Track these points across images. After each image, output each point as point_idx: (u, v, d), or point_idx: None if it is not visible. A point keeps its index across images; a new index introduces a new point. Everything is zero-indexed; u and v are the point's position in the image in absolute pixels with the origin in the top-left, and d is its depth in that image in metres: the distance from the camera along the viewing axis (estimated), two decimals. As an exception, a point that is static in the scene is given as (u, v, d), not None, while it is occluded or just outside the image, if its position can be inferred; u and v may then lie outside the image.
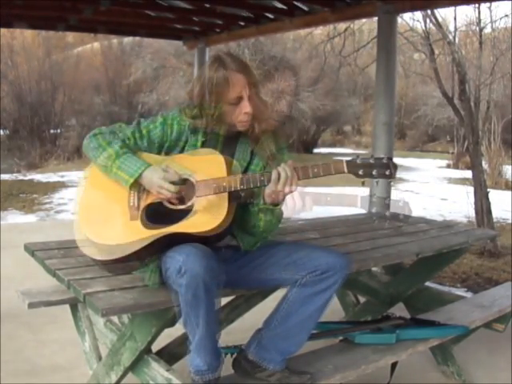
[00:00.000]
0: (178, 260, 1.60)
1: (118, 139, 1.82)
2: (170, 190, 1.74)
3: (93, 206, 1.85)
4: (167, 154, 1.88)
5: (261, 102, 1.88)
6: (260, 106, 1.88)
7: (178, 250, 1.65)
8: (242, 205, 1.87)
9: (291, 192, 1.72)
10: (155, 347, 2.01)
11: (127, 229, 1.76)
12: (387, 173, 1.72)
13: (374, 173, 1.72)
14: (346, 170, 1.74)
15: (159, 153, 1.88)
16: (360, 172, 1.73)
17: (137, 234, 1.73)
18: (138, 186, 1.79)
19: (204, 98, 1.82)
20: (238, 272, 1.86)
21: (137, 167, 1.76)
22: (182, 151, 1.88)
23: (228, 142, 1.90)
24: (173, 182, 1.75)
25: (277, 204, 1.78)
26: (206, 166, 1.80)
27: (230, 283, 1.78)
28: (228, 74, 1.79)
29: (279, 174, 1.70)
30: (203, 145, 1.87)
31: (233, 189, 1.75)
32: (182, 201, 1.78)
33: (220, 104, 1.80)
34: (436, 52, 6.24)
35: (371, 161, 1.73)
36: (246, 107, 1.83)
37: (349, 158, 1.76)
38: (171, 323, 1.92)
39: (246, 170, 1.89)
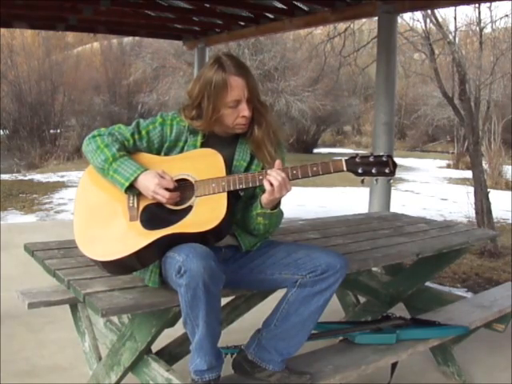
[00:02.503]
0: (177, 260, 1.61)
1: (116, 141, 1.82)
2: (165, 197, 1.73)
3: (92, 206, 1.84)
4: (167, 154, 1.88)
5: (260, 105, 1.88)
6: (259, 109, 1.87)
7: (178, 250, 1.65)
8: (243, 207, 1.87)
9: (287, 193, 1.73)
10: (155, 347, 2.01)
11: (127, 229, 1.76)
12: (387, 170, 1.71)
13: (374, 171, 1.71)
14: (345, 168, 1.74)
15: (159, 153, 1.88)
16: (359, 170, 1.72)
17: (136, 235, 1.73)
18: (136, 189, 1.79)
19: (203, 100, 1.81)
20: (238, 272, 1.87)
21: (132, 171, 1.76)
22: (181, 151, 1.87)
23: (227, 142, 1.90)
24: (168, 189, 1.75)
25: (275, 207, 1.79)
26: (205, 165, 1.80)
27: (230, 283, 1.78)
28: (227, 77, 1.78)
29: (271, 184, 1.71)
30: (202, 145, 1.87)
31: (232, 188, 1.75)
32: (181, 200, 1.78)
33: (218, 106, 1.80)
34: (436, 52, 6.23)
35: (370, 159, 1.72)
36: (244, 110, 1.82)
37: (348, 157, 1.75)
38: (171, 323, 1.92)
39: (246, 170, 1.89)
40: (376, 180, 1.82)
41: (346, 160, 1.74)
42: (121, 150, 1.80)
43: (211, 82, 1.78)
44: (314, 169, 1.75)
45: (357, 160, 1.73)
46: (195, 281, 1.56)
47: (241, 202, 1.88)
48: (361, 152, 1.84)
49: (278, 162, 1.76)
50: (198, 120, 1.85)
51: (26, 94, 15.01)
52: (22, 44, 15.88)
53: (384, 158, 1.72)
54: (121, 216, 1.78)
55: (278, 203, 1.81)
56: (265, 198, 1.76)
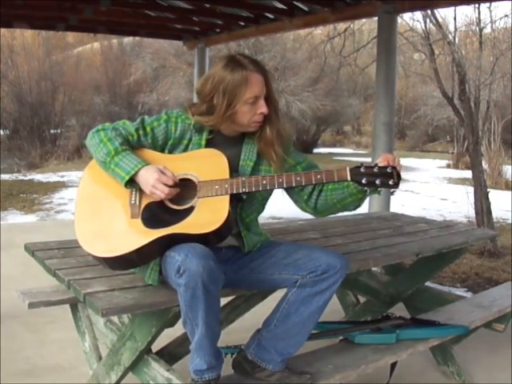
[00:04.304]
0: (176, 260, 1.61)
1: (119, 136, 1.81)
2: (164, 192, 1.73)
3: (94, 202, 1.84)
4: (170, 151, 1.87)
5: (275, 103, 1.88)
6: (274, 107, 1.87)
7: (177, 249, 1.65)
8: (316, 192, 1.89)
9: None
10: (155, 347, 2.01)
11: (128, 226, 1.76)
12: (391, 182, 1.71)
13: (378, 182, 1.71)
14: (349, 177, 1.74)
15: (163, 150, 1.87)
16: (363, 180, 1.72)
17: (137, 233, 1.73)
18: (137, 184, 1.79)
19: (216, 95, 1.79)
20: (238, 272, 1.87)
21: (133, 165, 1.75)
22: (185, 149, 1.87)
23: (233, 142, 1.90)
24: (167, 185, 1.74)
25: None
26: (209, 166, 1.79)
27: (230, 283, 1.79)
28: (247, 74, 1.77)
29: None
30: (207, 144, 1.86)
31: (234, 191, 1.75)
32: (183, 200, 1.78)
33: (234, 103, 1.78)
34: (436, 52, 6.23)
35: (375, 170, 1.72)
36: (262, 107, 1.82)
37: (352, 166, 1.75)
38: (171, 323, 1.93)
39: (253, 170, 1.88)
40: (379, 192, 1.81)
41: (350, 169, 1.74)
42: (123, 144, 1.80)
43: (228, 80, 1.77)
44: (318, 177, 1.75)
45: (361, 170, 1.73)
46: (194, 280, 1.56)
47: (256, 201, 1.90)
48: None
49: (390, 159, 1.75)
50: (208, 116, 1.83)
51: (26, 93, 15.01)
52: (23, 44, 15.88)
53: (388, 170, 1.71)
54: (122, 213, 1.78)
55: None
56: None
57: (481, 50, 6.15)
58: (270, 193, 1.94)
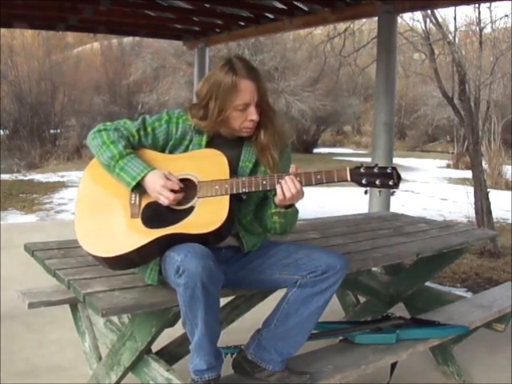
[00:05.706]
0: (176, 260, 1.61)
1: (122, 137, 1.81)
2: (169, 198, 1.73)
3: (93, 202, 1.84)
4: (171, 152, 1.87)
5: (269, 109, 1.87)
6: (267, 113, 1.87)
7: (177, 249, 1.65)
8: (256, 208, 1.89)
9: (298, 198, 1.74)
10: (155, 347, 2.01)
11: (127, 226, 1.76)
12: (391, 183, 1.71)
13: (378, 182, 1.71)
14: (348, 178, 1.74)
15: (163, 150, 1.88)
16: (363, 181, 1.72)
17: (137, 232, 1.73)
18: (139, 186, 1.79)
19: (210, 100, 1.80)
20: (238, 272, 1.87)
21: (140, 170, 1.76)
22: (186, 150, 1.87)
23: (233, 143, 1.90)
24: (173, 190, 1.74)
25: (290, 206, 1.79)
26: (210, 166, 1.79)
27: (230, 284, 1.79)
28: (237, 79, 1.77)
29: (284, 193, 1.72)
30: (208, 145, 1.87)
31: (234, 191, 1.75)
32: (183, 200, 1.78)
33: (225, 108, 1.79)
34: (436, 52, 6.24)
35: (375, 170, 1.72)
36: (252, 114, 1.81)
37: (352, 167, 1.75)
38: (171, 323, 1.93)
39: (252, 172, 1.88)
40: (379, 192, 1.81)
41: (350, 170, 1.73)
42: (127, 146, 1.80)
43: (220, 84, 1.77)
44: (318, 177, 1.75)
45: (361, 170, 1.72)
46: (193, 281, 1.56)
47: (252, 202, 1.89)
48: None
49: (294, 168, 1.76)
50: (204, 120, 1.84)
51: (26, 94, 15.03)
52: (22, 44, 15.90)
53: (388, 170, 1.71)
54: (122, 212, 1.79)
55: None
56: (277, 199, 1.76)
57: (481, 49, 6.16)
58: (264, 193, 1.94)
